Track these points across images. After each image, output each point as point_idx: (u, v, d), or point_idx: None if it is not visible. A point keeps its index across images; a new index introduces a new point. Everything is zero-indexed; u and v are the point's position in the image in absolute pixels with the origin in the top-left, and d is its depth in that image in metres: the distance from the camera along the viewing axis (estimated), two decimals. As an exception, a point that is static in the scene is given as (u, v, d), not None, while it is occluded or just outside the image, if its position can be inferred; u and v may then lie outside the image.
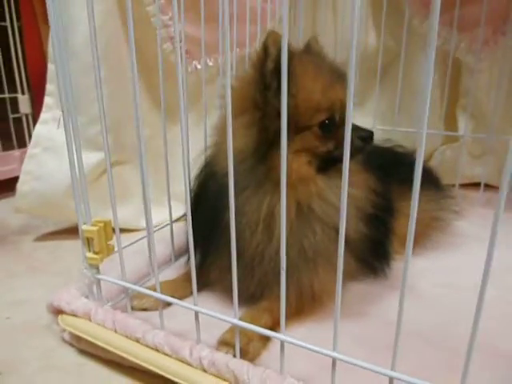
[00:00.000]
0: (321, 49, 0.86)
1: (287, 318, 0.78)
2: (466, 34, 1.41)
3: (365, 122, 1.55)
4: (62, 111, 0.70)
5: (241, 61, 1.32)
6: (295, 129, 0.74)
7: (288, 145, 0.72)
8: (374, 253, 0.93)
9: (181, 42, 1.30)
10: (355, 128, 0.80)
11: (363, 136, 0.78)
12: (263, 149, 0.74)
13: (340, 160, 0.78)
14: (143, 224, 1.03)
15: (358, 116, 1.59)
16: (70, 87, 0.70)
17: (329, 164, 0.78)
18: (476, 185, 1.50)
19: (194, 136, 1.13)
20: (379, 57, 1.46)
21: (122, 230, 1.15)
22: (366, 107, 1.61)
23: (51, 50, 0.68)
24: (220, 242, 0.79)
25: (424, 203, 1.11)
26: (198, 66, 1.35)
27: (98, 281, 0.77)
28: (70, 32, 1.16)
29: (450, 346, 0.73)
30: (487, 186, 1.48)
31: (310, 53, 0.83)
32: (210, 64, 1.35)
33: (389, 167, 0.99)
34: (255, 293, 0.81)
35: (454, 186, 1.45)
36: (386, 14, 1.43)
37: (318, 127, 0.75)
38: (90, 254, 0.74)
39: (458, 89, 1.53)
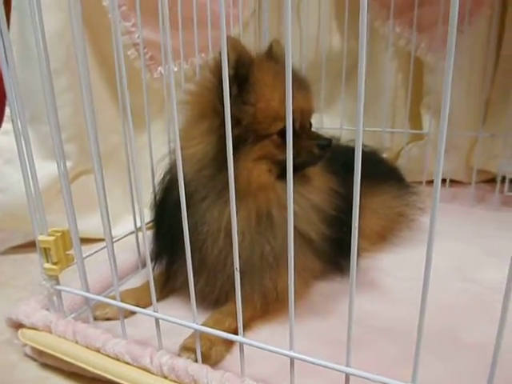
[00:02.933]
0: (283, 52, 0.86)
1: (252, 320, 0.80)
2: (425, 33, 1.44)
3: (332, 123, 1.59)
4: (12, 120, 0.68)
5: (204, 66, 1.32)
6: (255, 137, 0.75)
7: (248, 153, 0.75)
8: (339, 252, 0.94)
9: (145, 48, 1.30)
10: (315, 136, 0.81)
11: (322, 144, 0.79)
12: (222, 157, 0.73)
13: (300, 167, 0.80)
14: (114, 232, 1.02)
15: (325, 117, 1.62)
16: (19, 96, 0.68)
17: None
18: (443, 181, 1.53)
19: (162, 142, 1.13)
20: (343, 59, 1.48)
21: (91, 240, 1.15)
22: (333, 108, 1.63)
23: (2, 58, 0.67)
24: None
25: (389, 200, 1.14)
26: (163, 72, 1.35)
27: (59, 292, 0.76)
28: (30, 40, 1.15)
29: (414, 340, 0.74)
30: (452, 182, 1.52)
31: (270, 58, 0.82)
32: (175, 69, 1.34)
33: (353, 166, 1.01)
34: (220, 297, 0.81)
35: (421, 183, 1.48)
36: (349, 16, 1.46)
37: (278, 135, 0.75)
38: (47, 265, 0.72)
39: (421, 88, 1.57)
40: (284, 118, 0.73)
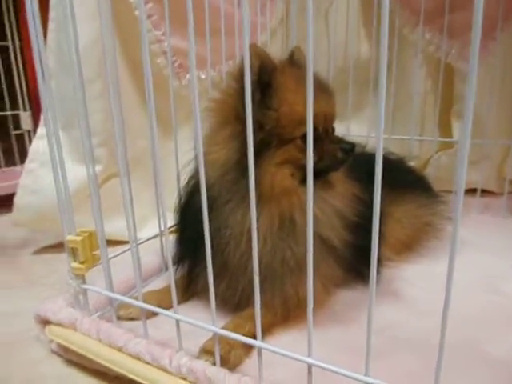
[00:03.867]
0: (304, 59, 0.87)
1: (273, 325, 0.80)
2: (456, 39, 1.41)
3: (360, 130, 1.58)
4: (46, 125, 0.72)
5: (229, 73, 1.34)
6: (278, 141, 0.76)
7: (271, 157, 0.76)
8: (362, 260, 0.92)
9: (174, 56, 1.34)
10: (338, 140, 0.80)
11: (345, 148, 0.79)
12: (245, 161, 0.74)
13: (323, 172, 0.79)
14: (140, 235, 1.04)
15: (352, 124, 1.61)
16: (52, 102, 0.71)
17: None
18: (473, 191, 1.49)
19: (189, 148, 1.15)
20: (371, 65, 1.47)
21: (118, 242, 1.18)
22: (361, 116, 1.62)
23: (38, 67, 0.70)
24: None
25: (415, 209, 1.11)
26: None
27: (84, 291, 0.78)
28: (66, 48, 1.20)
29: (436, 353, 0.72)
30: (484, 192, 1.47)
31: (292, 64, 0.83)
32: (203, 77, 1.37)
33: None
34: (241, 302, 0.81)
35: (450, 192, 1.44)
36: (377, 23, 1.45)
37: (301, 139, 0.75)
38: (74, 264, 0.75)
39: (451, 95, 1.53)
40: (305, 124, 0.75)
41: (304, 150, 0.76)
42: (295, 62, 0.84)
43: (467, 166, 1.43)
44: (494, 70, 1.36)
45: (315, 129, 0.74)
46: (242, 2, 0.51)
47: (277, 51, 1.58)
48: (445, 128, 1.57)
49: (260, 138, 0.73)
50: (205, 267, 0.83)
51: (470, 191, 1.51)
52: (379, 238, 0.97)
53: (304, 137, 0.74)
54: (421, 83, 1.51)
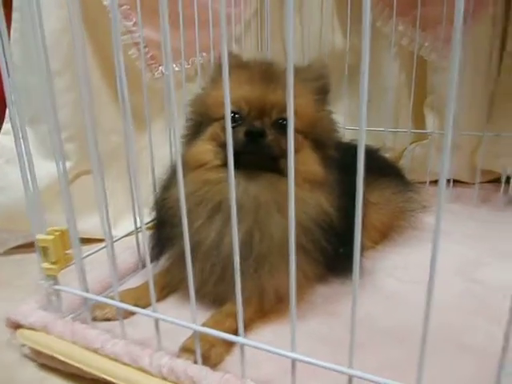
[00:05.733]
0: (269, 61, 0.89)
1: (252, 320, 0.79)
2: (429, 32, 1.43)
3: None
4: (11, 119, 0.68)
5: (206, 65, 1.31)
6: (207, 121, 0.82)
7: (200, 134, 0.82)
8: (341, 255, 0.92)
9: (146, 47, 1.30)
10: (249, 124, 0.78)
11: (249, 130, 0.75)
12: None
13: (238, 155, 0.75)
14: (115, 232, 1.01)
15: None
16: (17, 96, 0.68)
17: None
18: (447, 181, 1.52)
19: (164, 141, 1.13)
20: (346, 57, 1.47)
21: (92, 240, 1.14)
22: (336, 107, 1.61)
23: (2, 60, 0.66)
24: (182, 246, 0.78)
25: (390, 194, 1.12)
26: (164, 71, 1.34)
27: (57, 292, 0.75)
28: (31, 40, 1.14)
29: (414, 341, 0.73)
30: (456, 182, 1.50)
31: (246, 62, 0.87)
32: (177, 69, 1.34)
33: (353, 163, 0.99)
34: (217, 297, 0.80)
35: (424, 183, 1.47)
36: (351, 14, 1.45)
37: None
38: (46, 265, 0.72)
39: (424, 87, 1.55)
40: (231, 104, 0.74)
41: (224, 130, 0.77)
42: (251, 60, 0.88)
43: (441, 157, 1.45)
44: (465, 62, 1.38)
45: (237, 112, 0.78)
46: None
47: (251, 43, 1.57)
48: (418, 120, 1.59)
49: (198, 119, 0.85)
50: (180, 262, 0.83)
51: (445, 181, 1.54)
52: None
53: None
54: (395, 76, 1.53)
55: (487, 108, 1.44)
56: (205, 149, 0.82)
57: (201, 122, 0.84)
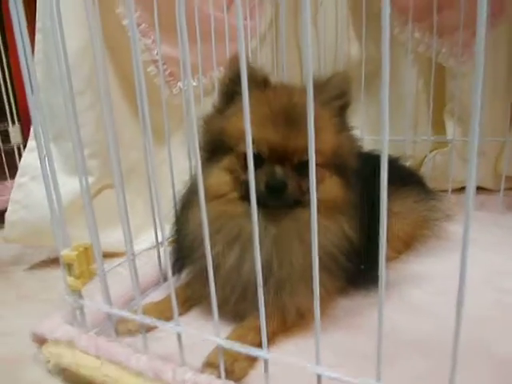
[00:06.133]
0: (290, 89, 0.81)
1: (274, 334, 0.78)
2: (446, 38, 1.41)
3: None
4: (36, 137, 0.70)
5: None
6: (226, 148, 0.79)
7: (218, 161, 0.79)
8: (360, 270, 0.90)
9: (164, 64, 1.32)
10: (271, 174, 0.75)
11: (270, 185, 0.74)
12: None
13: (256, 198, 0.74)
14: (136, 246, 1.02)
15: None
16: (41, 114, 0.70)
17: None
18: (470, 188, 1.49)
19: (182, 155, 1.14)
20: (362, 67, 1.46)
21: (115, 254, 1.16)
22: (354, 117, 1.61)
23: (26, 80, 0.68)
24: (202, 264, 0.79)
25: (412, 203, 1.10)
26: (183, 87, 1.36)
27: (81, 306, 0.76)
28: (53, 60, 1.18)
29: (443, 354, 0.71)
30: (480, 189, 1.47)
31: (266, 84, 0.81)
32: (195, 84, 1.36)
33: (373, 174, 0.98)
34: (239, 311, 0.80)
35: (446, 191, 1.44)
36: (366, 24, 1.45)
37: (243, 157, 0.74)
38: (70, 280, 0.73)
39: (443, 94, 1.53)
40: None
41: (243, 166, 0.74)
42: (270, 83, 0.82)
43: (463, 164, 1.44)
44: (485, 67, 1.36)
45: (258, 153, 0.74)
46: (236, 9, 0.49)
47: (267, 55, 1.58)
48: (438, 127, 1.57)
49: (213, 140, 0.81)
50: (201, 277, 0.83)
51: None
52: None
53: (244, 155, 0.70)
54: (413, 83, 1.51)
55: (510, 113, 1.41)
56: (222, 180, 0.80)
57: (217, 144, 0.81)
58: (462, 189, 1.55)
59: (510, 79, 1.43)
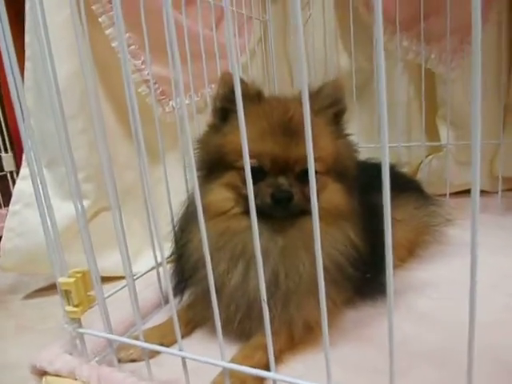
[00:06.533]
0: (285, 101, 0.82)
1: (282, 352, 0.76)
2: (434, 45, 1.43)
3: (347, 142, 1.56)
4: (28, 164, 0.69)
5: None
6: (225, 165, 0.78)
7: (218, 177, 0.79)
8: (365, 280, 0.89)
9: (156, 83, 1.32)
10: (276, 186, 0.75)
11: (275, 196, 0.74)
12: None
13: (261, 210, 0.70)
14: (135, 269, 1.00)
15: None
16: (33, 141, 0.69)
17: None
18: (467, 192, 1.48)
19: (178, 173, 1.13)
20: (353, 77, 1.47)
21: (113, 278, 1.13)
22: (348, 127, 1.61)
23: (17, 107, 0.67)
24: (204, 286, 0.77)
25: (412, 210, 1.09)
26: (175, 106, 1.36)
27: (81, 335, 0.73)
28: (44, 86, 1.18)
29: (455, 363, 0.69)
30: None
31: (260, 98, 0.81)
32: (187, 102, 1.36)
33: (371, 182, 0.97)
34: (248, 328, 0.78)
35: (444, 195, 1.44)
36: (354, 35, 1.46)
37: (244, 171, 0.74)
38: (69, 308, 0.70)
39: (434, 99, 1.54)
40: (251, 157, 0.65)
41: (244, 181, 0.67)
42: (264, 97, 0.82)
43: (459, 168, 1.43)
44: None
45: (258, 166, 0.74)
46: (226, 28, 0.49)
47: (257, 70, 1.59)
48: (432, 132, 1.58)
49: (211, 158, 0.80)
50: (203, 298, 0.81)
51: (465, 192, 1.51)
52: (383, 244, 0.93)
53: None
54: (404, 90, 1.52)
55: (502, 115, 1.41)
56: (224, 197, 0.79)
57: (215, 162, 0.80)
58: (460, 193, 1.55)
59: (501, 81, 1.44)
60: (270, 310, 0.72)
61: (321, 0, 1.56)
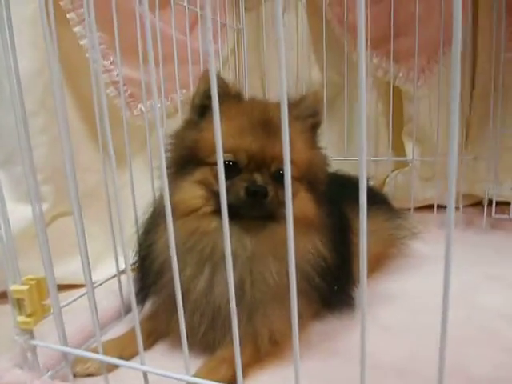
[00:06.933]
0: (265, 102, 0.83)
1: (248, 365, 0.73)
2: (402, 64, 1.48)
3: (317, 154, 1.58)
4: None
5: (186, 102, 1.31)
6: (198, 162, 0.76)
7: (189, 174, 0.76)
8: (335, 288, 0.89)
9: (124, 85, 1.28)
10: (251, 180, 0.73)
11: (249, 189, 0.72)
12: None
13: (232, 208, 0.70)
14: (95, 277, 0.94)
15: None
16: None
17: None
18: (430, 207, 1.53)
19: (144, 178, 1.09)
20: (324, 90, 1.49)
21: (68, 286, 1.07)
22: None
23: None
24: (168, 292, 0.74)
25: (381, 222, 1.11)
26: (144, 109, 1.32)
27: (33, 347, 0.68)
28: (2, 81, 1.11)
29: (424, 375, 0.69)
30: (440, 207, 1.51)
31: (239, 97, 0.82)
32: (158, 106, 1.33)
33: (341, 191, 0.97)
34: (212, 339, 0.75)
35: (409, 209, 1.47)
36: (327, 49, 1.49)
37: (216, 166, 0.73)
38: (21, 318, 0.65)
39: (401, 116, 1.59)
40: (226, 152, 0.64)
41: (216, 177, 0.67)
42: (243, 97, 0.83)
43: (423, 184, 1.47)
44: (441, 90, 1.43)
45: (232, 161, 0.73)
46: (204, 32, 0.47)
47: (230, 78, 1.58)
48: (398, 148, 1.62)
49: (184, 154, 0.78)
50: (166, 307, 0.78)
51: (428, 207, 1.55)
52: (352, 256, 0.93)
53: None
54: (372, 105, 1.56)
55: (464, 133, 1.48)
56: (195, 194, 0.76)
57: (187, 159, 0.78)
58: (423, 208, 1.59)
59: (464, 101, 1.50)
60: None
61: (294, 11, 1.58)
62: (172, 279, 0.58)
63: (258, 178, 0.73)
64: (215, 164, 0.69)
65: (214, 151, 0.69)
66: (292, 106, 0.79)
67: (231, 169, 0.73)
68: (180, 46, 1.18)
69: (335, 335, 0.85)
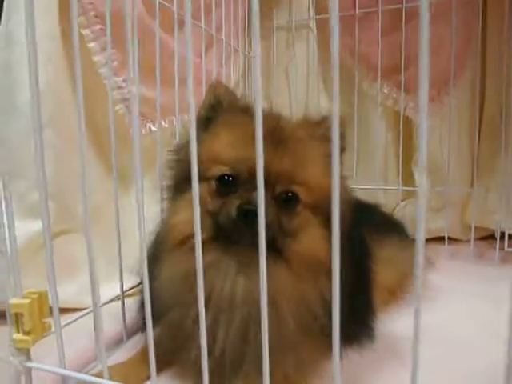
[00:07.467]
0: (276, 115, 0.75)
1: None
2: (412, 94, 1.48)
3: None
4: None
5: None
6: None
7: (185, 192, 0.67)
8: (353, 323, 0.80)
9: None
10: (246, 198, 0.63)
11: (242, 208, 0.62)
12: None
13: (225, 234, 0.65)
14: (88, 302, 0.87)
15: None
16: None
17: (229, 235, 0.66)
18: (439, 239, 1.50)
19: (150, 200, 1.05)
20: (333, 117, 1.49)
21: (64, 310, 1.00)
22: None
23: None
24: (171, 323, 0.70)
25: (397, 251, 1.05)
26: (153, 128, 1.30)
27: (28, 370, 0.62)
28: (15, 93, 1.10)
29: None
30: (450, 239, 1.48)
31: (245, 111, 0.74)
32: (166, 126, 1.31)
33: (359, 216, 0.91)
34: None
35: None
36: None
37: (215, 181, 0.67)
38: (18, 336, 0.59)
39: (411, 145, 1.58)
40: (225, 165, 0.66)
41: (214, 194, 0.65)
42: (250, 110, 0.74)
43: (433, 214, 1.43)
44: (451, 121, 1.43)
45: (232, 176, 0.66)
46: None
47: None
48: (408, 177, 1.60)
49: (184, 169, 0.67)
50: (171, 335, 0.71)
51: (438, 239, 1.51)
52: (371, 285, 0.86)
53: (219, 179, 0.66)
54: (382, 135, 1.56)
55: (475, 165, 1.47)
56: (188, 218, 0.62)
57: (187, 174, 0.71)
58: (433, 239, 1.56)
59: (474, 132, 1.50)
60: (236, 373, 0.65)
61: (305, 41, 1.60)
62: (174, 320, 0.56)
63: (256, 195, 0.66)
64: (213, 178, 0.66)
65: (213, 163, 0.66)
66: (313, 125, 0.72)
67: (229, 185, 0.66)
68: (195, 67, 1.18)
69: (358, 376, 0.78)
